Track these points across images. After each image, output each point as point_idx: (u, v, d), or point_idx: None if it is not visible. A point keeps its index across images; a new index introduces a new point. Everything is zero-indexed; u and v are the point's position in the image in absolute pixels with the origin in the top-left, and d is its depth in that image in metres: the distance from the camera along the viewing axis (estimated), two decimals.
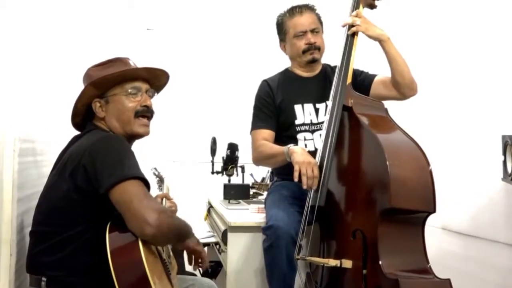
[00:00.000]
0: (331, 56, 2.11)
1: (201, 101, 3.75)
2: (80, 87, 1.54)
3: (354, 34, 1.91)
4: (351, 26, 1.91)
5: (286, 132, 2.08)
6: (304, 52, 2.07)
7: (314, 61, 2.09)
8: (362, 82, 2.07)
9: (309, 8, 2.10)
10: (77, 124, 1.58)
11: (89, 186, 1.36)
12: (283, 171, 1.99)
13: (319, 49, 2.08)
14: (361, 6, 1.96)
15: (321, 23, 2.12)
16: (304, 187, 1.76)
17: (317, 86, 2.10)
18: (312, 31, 2.07)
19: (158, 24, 3.67)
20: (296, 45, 2.08)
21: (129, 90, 1.53)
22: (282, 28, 2.12)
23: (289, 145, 1.90)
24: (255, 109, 2.13)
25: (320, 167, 1.76)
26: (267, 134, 2.07)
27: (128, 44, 3.38)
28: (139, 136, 1.55)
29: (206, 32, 3.73)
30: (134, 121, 1.51)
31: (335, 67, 1.94)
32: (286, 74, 2.16)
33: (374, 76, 2.09)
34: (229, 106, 3.70)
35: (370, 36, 1.92)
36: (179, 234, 1.41)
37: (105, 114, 1.53)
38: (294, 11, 2.09)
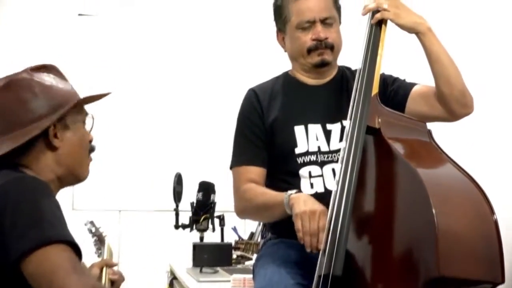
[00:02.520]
0: (350, 56, 2.15)
1: (156, 119, 3.76)
2: None
3: (380, 23, 1.95)
4: (375, 12, 1.95)
5: (282, 166, 2.10)
6: (310, 51, 2.10)
7: (324, 64, 2.12)
8: (395, 93, 2.10)
9: None
10: None
11: None
12: (281, 224, 2.00)
13: (332, 47, 2.11)
14: None
15: (338, 9, 2.16)
16: (308, 249, 1.78)
17: (329, 99, 2.13)
18: (324, 21, 2.10)
19: (92, 10, 3.87)
20: (300, 41, 2.11)
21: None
22: (281, 13, 2.15)
23: (290, 192, 1.91)
24: (237, 134, 2.16)
25: (335, 218, 1.76)
26: (255, 172, 2.09)
27: (57, 31, 3.68)
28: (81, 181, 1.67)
29: (158, 18, 3.88)
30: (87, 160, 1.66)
31: (355, 71, 1.98)
32: (285, 80, 2.20)
33: (412, 85, 2.12)
34: (200, 128, 3.72)
35: (402, 26, 1.96)
36: None
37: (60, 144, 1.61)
38: None
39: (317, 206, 1.82)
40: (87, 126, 1.66)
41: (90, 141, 1.67)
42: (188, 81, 3.83)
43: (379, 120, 1.81)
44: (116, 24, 3.93)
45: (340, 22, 2.16)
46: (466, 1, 2.86)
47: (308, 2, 2.09)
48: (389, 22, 1.96)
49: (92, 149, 1.68)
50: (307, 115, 2.11)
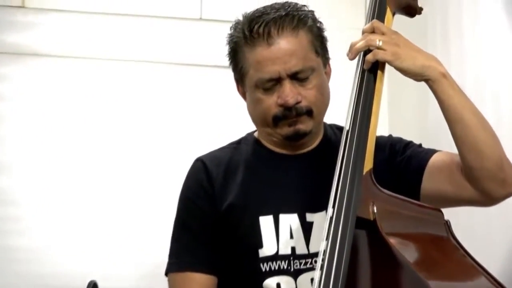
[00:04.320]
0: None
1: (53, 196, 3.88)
2: None
3: (375, 68, 1.91)
4: (367, 52, 1.90)
5: (239, 274, 2.08)
6: (276, 120, 2.05)
7: (299, 136, 2.07)
8: (406, 165, 2.07)
9: (290, 24, 2.03)
10: None
11: None
12: None
13: (309, 112, 2.04)
14: (388, 11, 1.97)
15: (321, 49, 2.09)
16: None
17: (310, 176, 2.10)
18: (294, 76, 2.02)
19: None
20: (262, 105, 2.05)
21: None
22: (237, 61, 2.10)
23: None
24: (177, 226, 2.16)
25: None
26: (200, 282, 2.07)
27: None
28: None
29: None
30: None
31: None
32: (248, 147, 2.18)
33: (430, 154, 2.08)
34: (118, 213, 3.86)
35: (404, 71, 1.89)
36: None
37: None
38: (255, 31, 2.03)
39: None
40: None
41: None
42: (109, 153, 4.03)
43: (374, 208, 1.76)
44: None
45: (326, 63, 2.12)
46: None
47: (269, 50, 2.02)
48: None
49: None
50: (279, 200, 2.07)
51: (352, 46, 1.92)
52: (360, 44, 1.90)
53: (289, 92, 2.01)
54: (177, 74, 4.05)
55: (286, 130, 2.05)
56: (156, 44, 4.02)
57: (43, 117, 3.84)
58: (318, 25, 2.09)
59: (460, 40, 3.19)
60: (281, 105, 2.02)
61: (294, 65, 2.02)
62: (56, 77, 3.92)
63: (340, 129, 2.14)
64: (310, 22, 2.07)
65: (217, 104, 3.98)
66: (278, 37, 2.02)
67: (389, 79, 2.13)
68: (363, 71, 1.91)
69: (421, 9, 2.02)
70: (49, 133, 3.84)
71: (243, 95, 2.14)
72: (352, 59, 1.93)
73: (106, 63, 4.01)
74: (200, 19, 4.05)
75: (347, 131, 1.86)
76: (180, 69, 4.06)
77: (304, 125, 2.05)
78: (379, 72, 1.91)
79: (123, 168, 3.91)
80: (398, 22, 2.03)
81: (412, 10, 2.01)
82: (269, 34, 2.02)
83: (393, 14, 1.97)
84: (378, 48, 1.88)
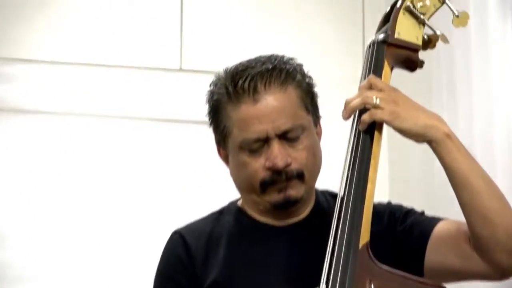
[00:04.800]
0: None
1: None
2: None
3: (371, 129, 1.89)
4: (363, 111, 1.88)
5: None
6: (265, 186, 2.01)
7: (290, 204, 2.03)
8: (407, 236, 2.04)
9: (278, 78, 2.01)
10: None
11: None
12: None
13: (300, 176, 2.01)
14: (385, 65, 1.96)
15: (311, 106, 2.07)
16: None
17: (300, 250, 2.08)
18: (284, 136, 2.00)
19: None
20: (248, 169, 2.02)
21: None
22: (219, 120, 2.07)
23: None
24: None
25: None
26: None
27: None
28: None
29: None
30: None
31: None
32: (230, 218, 2.15)
33: (433, 223, 2.05)
34: None
35: (404, 132, 1.87)
36: None
37: None
38: (240, 86, 2.00)
39: None
40: None
41: None
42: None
43: (372, 286, 1.77)
44: None
45: (316, 122, 2.09)
46: None
47: (255, 107, 1.99)
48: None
49: None
50: (267, 278, 2.04)
51: (347, 104, 1.90)
52: (356, 102, 1.88)
53: (278, 154, 1.98)
54: (155, 131, 4.08)
55: (275, 197, 2.02)
56: (133, 98, 4.05)
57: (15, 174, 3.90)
58: (308, 80, 2.07)
59: (469, 95, 3.21)
60: (269, 169, 1.99)
61: (283, 123, 2.00)
62: (24, 133, 3.96)
63: (333, 196, 2.10)
64: (299, 76, 2.05)
65: (198, 165, 3.98)
66: (265, 92, 2.00)
67: (389, 139, 2.14)
68: (358, 132, 1.89)
69: (422, 62, 2.00)
70: (19, 191, 3.89)
71: (225, 158, 2.11)
72: (346, 118, 1.91)
73: (76, 119, 4.04)
74: (180, 69, 4.09)
75: (341, 199, 1.85)
76: (159, 126, 4.09)
77: (295, 191, 2.02)
78: (376, 133, 1.89)
79: (95, 231, 3.94)
80: (399, 76, 2.04)
81: (412, 64, 1.99)
82: (255, 89, 1.99)
83: (392, 69, 1.96)
84: (375, 106, 1.86)
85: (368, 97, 1.86)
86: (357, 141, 1.88)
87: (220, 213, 2.16)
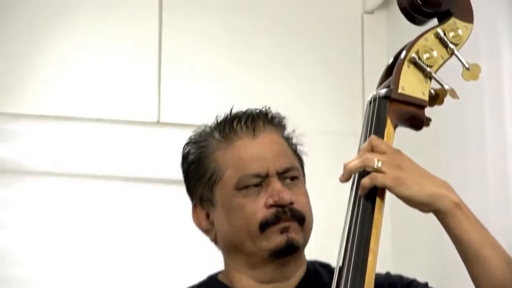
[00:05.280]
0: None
1: None
2: None
3: (373, 194, 1.87)
4: (362, 174, 1.84)
5: None
6: (265, 226, 2.03)
7: (290, 249, 2.04)
8: None
9: (274, 121, 2.13)
10: None
11: None
12: None
13: (301, 220, 2.05)
14: (388, 123, 1.93)
15: (299, 158, 2.16)
16: None
17: None
18: (283, 175, 2.07)
19: None
20: (245, 211, 2.05)
21: None
22: (203, 172, 2.12)
23: None
24: None
25: None
26: None
27: None
28: None
29: None
30: None
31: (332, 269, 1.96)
32: None
33: None
34: None
35: (408, 200, 1.86)
36: None
37: None
38: (236, 125, 2.11)
39: None
40: None
41: None
42: None
43: None
44: None
45: (304, 181, 2.15)
46: None
47: (254, 142, 2.08)
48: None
49: None
50: None
51: (345, 166, 1.89)
52: (354, 164, 1.86)
53: (282, 189, 2.04)
54: (132, 191, 4.14)
55: (276, 239, 2.02)
56: (109, 154, 4.10)
57: None
58: (294, 140, 2.16)
59: (482, 156, 3.19)
60: (272, 205, 2.02)
61: (283, 161, 2.08)
62: None
63: (324, 266, 2.14)
64: (289, 130, 2.16)
65: (176, 228, 3.99)
66: (264, 130, 2.10)
67: (392, 206, 2.13)
68: (358, 198, 1.86)
69: (429, 120, 1.97)
70: None
71: (205, 219, 2.12)
72: (343, 181, 1.89)
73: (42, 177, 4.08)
74: (158, 122, 4.16)
75: (340, 268, 1.83)
76: (135, 186, 4.15)
77: (297, 236, 2.04)
78: (378, 199, 1.86)
79: None
80: (404, 134, 2.03)
81: (418, 122, 1.95)
82: (254, 126, 2.09)
83: (395, 127, 1.94)
84: (377, 170, 1.84)
85: (369, 159, 1.84)
86: (357, 207, 1.86)
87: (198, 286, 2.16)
